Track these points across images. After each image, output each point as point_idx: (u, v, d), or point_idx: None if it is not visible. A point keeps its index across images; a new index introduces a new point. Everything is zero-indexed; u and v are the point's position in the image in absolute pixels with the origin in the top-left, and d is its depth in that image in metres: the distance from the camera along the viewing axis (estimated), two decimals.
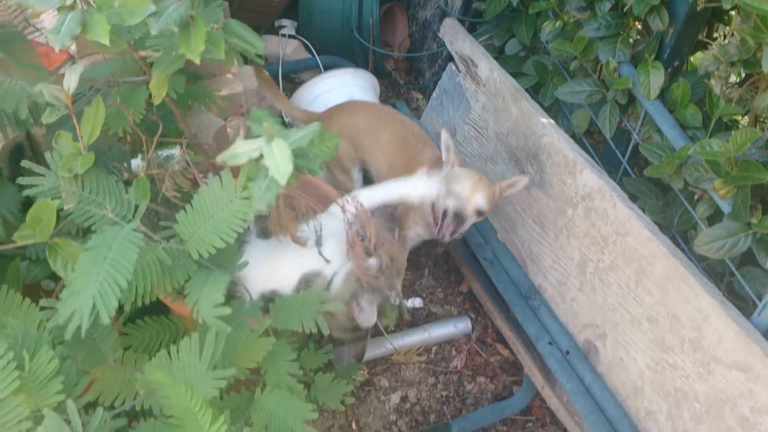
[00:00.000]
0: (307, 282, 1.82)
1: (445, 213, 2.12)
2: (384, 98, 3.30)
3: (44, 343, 1.39)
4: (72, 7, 1.25)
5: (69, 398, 1.29)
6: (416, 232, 2.34)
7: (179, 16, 1.31)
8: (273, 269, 1.86)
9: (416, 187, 1.94)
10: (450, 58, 2.84)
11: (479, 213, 2.10)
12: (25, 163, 1.54)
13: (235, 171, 1.47)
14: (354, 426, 2.15)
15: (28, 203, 1.49)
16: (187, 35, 1.35)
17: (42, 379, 1.28)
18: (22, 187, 1.53)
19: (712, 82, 1.96)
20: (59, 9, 1.26)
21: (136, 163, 1.87)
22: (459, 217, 2.08)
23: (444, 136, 2.14)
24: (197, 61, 1.33)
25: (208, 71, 2.56)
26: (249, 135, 1.35)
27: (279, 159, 1.25)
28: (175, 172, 1.79)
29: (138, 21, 1.27)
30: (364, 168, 2.51)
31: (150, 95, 1.73)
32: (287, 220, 1.77)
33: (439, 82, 2.89)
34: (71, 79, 1.48)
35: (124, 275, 1.27)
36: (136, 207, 1.56)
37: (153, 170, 1.73)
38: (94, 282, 1.26)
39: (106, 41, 1.25)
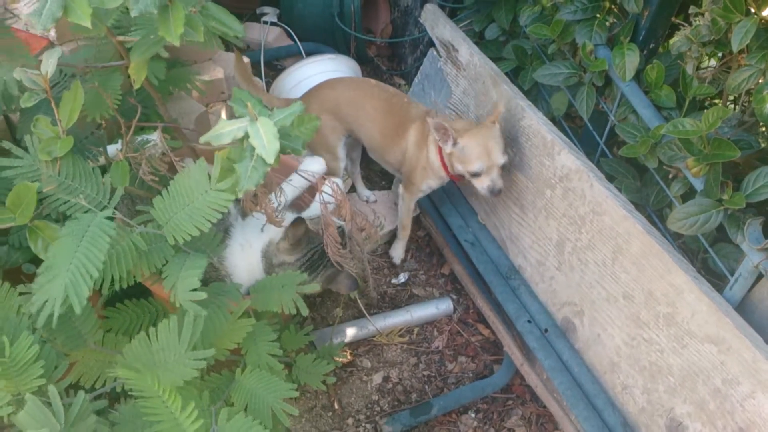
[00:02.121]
0: (266, 256, 1.85)
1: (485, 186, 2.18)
2: None
3: (24, 328, 1.39)
4: None
5: (49, 382, 1.30)
6: (428, 184, 2.40)
7: None
8: (252, 261, 1.88)
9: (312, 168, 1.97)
10: (431, 43, 2.86)
11: (504, 167, 2.17)
12: (6, 144, 1.54)
13: (210, 160, 1.48)
14: (336, 406, 2.17)
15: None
16: (166, 18, 1.35)
17: (22, 364, 1.28)
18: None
19: (686, 62, 1.99)
20: None
21: (114, 148, 1.88)
22: (494, 191, 2.15)
23: (431, 123, 2.13)
24: (177, 44, 1.34)
25: (189, 57, 2.57)
26: (231, 119, 1.37)
27: (265, 138, 1.27)
28: (152, 156, 1.80)
29: (118, 4, 1.28)
30: (354, 139, 2.53)
31: (127, 80, 1.74)
32: (262, 198, 1.78)
33: (421, 68, 2.90)
34: (49, 64, 1.48)
35: (95, 264, 1.27)
36: (112, 193, 1.56)
37: (130, 154, 1.74)
38: (66, 271, 1.26)
39: (87, 24, 1.25)
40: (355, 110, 2.43)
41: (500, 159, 2.14)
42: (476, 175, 2.15)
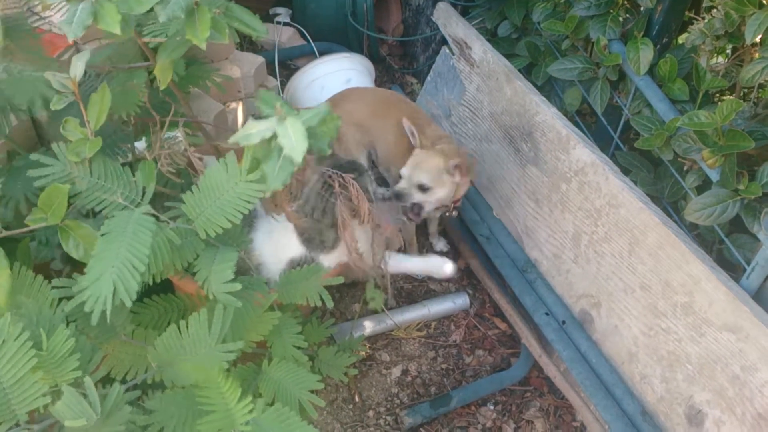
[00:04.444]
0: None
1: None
2: (379, 83, 3.35)
3: (59, 321, 1.42)
4: None
5: (85, 374, 1.33)
6: None
7: (185, 2, 1.35)
8: (286, 239, 1.92)
9: None
10: (443, 41, 2.89)
11: (421, 188, 2.18)
12: (35, 156, 1.57)
13: (239, 154, 1.51)
14: (357, 399, 2.21)
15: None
16: (193, 21, 1.39)
17: (59, 356, 1.31)
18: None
19: (699, 55, 2.02)
20: (69, 0, 1.30)
21: (140, 146, 1.92)
22: (400, 197, 2.21)
23: (405, 123, 2.24)
24: (203, 47, 1.37)
25: (206, 57, 2.60)
26: (247, 117, 1.40)
27: (294, 137, 1.30)
28: (175, 152, 1.83)
29: (146, 9, 1.31)
30: (371, 153, 2.56)
31: (151, 80, 1.78)
32: (282, 199, 1.82)
33: (434, 66, 2.93)
34: (78, 67, 1.51)
35: (141, 259, 1.31)
36: (144, 190, 1.59)
37: (159, 151, 1.78)
38: (113, 267, 1.30)
39: (117, 30, 1.29)
40: (380, 122, 2.45)
41: (419, 178, 2.18)
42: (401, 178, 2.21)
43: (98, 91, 1.56)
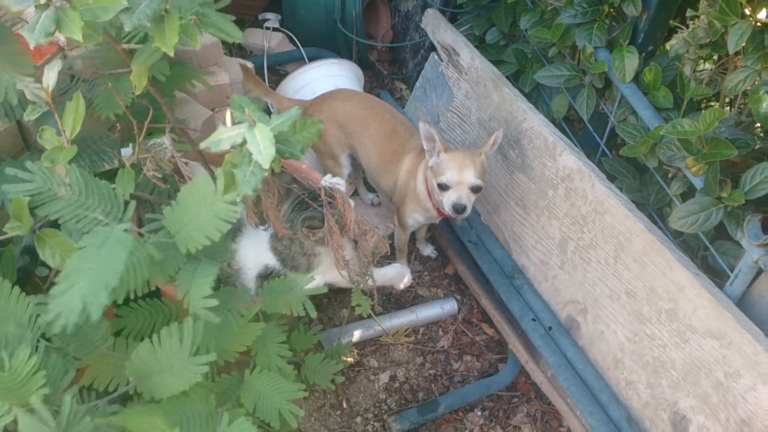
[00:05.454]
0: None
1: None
2: (368, 89, 3.36)
3: (27, 338, 1.39)
4: (47, 5, 1.28)
5: (56, 390, 1.31)
6: (414, 218, 2.40)
7: (152, 11, 1.33)
8: (261, 245, 1.93)
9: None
10: (432, 48, 2.90)
11: (474, 190, 2.14)
12: (10, 171, 1.54)
13: (219, 164, 1.50)
14: (345, 405, 2.20)
15: None
16: (162, 29, 1.38)
17: (23, 376, 1.28)
18: None
19: (683, 64, 2.04)
20: (36, 7, 1.29)
21: (126, 152, 1.91)
22: (458, 208, 2.12)
23: (423, 127, 2.14)
24: (171, 54, 1.36)
25: (194, 63, 2.60)
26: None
27: (261, 143, 1.29)
28: (160, 158, 1.82)
29: (110, 17, 1.30)
30: (353, 155, 2.56)
31: None
32: (268, 207, 1.81)
33: (422, 72, 2.95)
34: (50, 77, 1.50)
35: (114, 276, 1.27)
36: (126, 205, 1.56)
37: (142, 155, 1.77)
38: (83, 281, 1.26)
39: (79, 37, 1.28)
40: (361, 128, 2.45)
41: (470, 179, 2.11)
42: (445, 188, 2.13)
43: (72, 99, 1.55)
